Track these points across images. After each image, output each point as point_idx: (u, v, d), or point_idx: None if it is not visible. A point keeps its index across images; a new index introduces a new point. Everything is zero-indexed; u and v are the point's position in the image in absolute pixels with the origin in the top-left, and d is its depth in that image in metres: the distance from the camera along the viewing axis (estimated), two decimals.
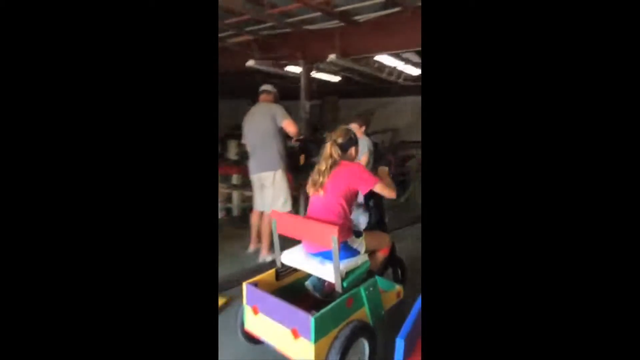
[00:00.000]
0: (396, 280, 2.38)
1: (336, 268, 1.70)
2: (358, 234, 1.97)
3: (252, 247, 3.39)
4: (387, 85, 8.09)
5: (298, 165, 3.49)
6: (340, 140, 1.96)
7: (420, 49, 4.76)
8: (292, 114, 3.19)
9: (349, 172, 1.88)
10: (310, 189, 1.96)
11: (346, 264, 1.80)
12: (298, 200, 3.53)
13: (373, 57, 4.78)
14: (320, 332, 1.53)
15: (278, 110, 3.05)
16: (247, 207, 4.67)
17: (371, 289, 1.87)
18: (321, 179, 1.88)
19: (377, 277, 2.04)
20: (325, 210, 1.89)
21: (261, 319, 1.76)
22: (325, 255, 1.84)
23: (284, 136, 3.13)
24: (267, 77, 6.39)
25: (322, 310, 1.57)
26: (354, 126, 3.05)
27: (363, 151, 3.01)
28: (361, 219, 2.30)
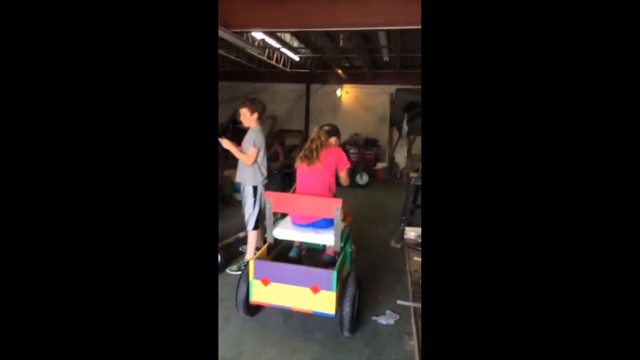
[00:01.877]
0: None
1: (337, 232, 2.10)
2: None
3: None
4: (262, 70, 7.66)
5: None
6: (326, 128, 2.48)
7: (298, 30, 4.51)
8: None
9: (338, 154, 2.41)
10: (302, 163, 2.34)
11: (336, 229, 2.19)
12: None
13: (252, 32, 4.30)
14: (337, 283, 1.96)
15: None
16: None
17: (351, 247, 2.49)
18: (314, 155, 2.31)
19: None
20: (318, 184, 2.30)
21: (273, 288, 2.05)
22: (316, 225, 2.28)
23: None
24: None
25: (337, 266, 2.03)
26: (244, 111, 2.74)
27: (260, 141, 2.72)
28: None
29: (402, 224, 3.63)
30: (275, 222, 2.34)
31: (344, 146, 6.81)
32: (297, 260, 2.39)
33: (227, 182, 4.70)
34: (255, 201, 2.76)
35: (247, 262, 2.83)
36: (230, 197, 4.73)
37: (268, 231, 2.27)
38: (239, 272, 2.67)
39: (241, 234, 3.00)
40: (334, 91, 8.60)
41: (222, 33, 3.53)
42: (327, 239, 2.21)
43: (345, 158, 2.44)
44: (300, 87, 8.79)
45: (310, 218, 2.27)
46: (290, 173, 5.66)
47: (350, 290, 2.00)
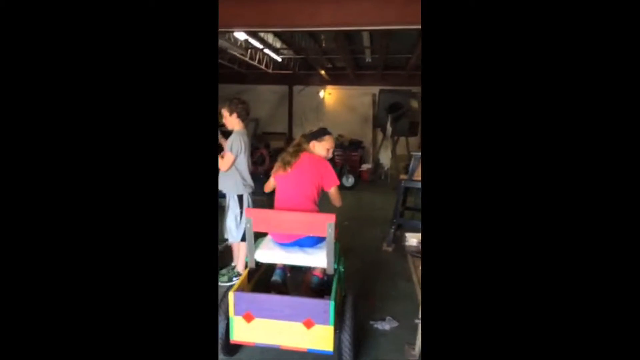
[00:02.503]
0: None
1: (330, 252, 1.80)
2: None
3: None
4: (244, 71, 7.51)
5: None
6: (307, 132, 2.21)
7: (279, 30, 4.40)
8: None
9: (323, 167, 2.04)
10: (279, 170, 2.03)
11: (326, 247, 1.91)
12: None
13: (234, 32, 4.17)
14: (334, 314, 1.66)
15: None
16: None
17: (343, 266, 2.13)
18: (291, 158, 2.01)
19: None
20: (301, 195, 1.98)
21: (258, 324, 1.73)
22: (302, 243, 1.97)
23: None
24: None
25: (333, 293, 1.73)
26: (224, 112, 2.56)
27: (237, 147, 2.50)
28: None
29: (392, 227, 3.59)
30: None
31: None
32: (282, 286, 2.04)
33: None
34: (242, 212, 2.56)
35: (237, 274, 2.72)
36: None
37: (249, 254, 1.96)
38: (230, 284, 2.54)
39: (229, 242, 2.85)
40: (317, 92, 8.55)
41: None
42: (317, 259, 1.89)
43: (332, 172, 2.05)
44: (282, 88, 8.68)
45: (293, 236, 1.96)
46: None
47: (349, 321, 1.72)
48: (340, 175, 6.25)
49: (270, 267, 2.12)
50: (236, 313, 1.73)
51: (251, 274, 1.99)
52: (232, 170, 2.53)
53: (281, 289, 2.01)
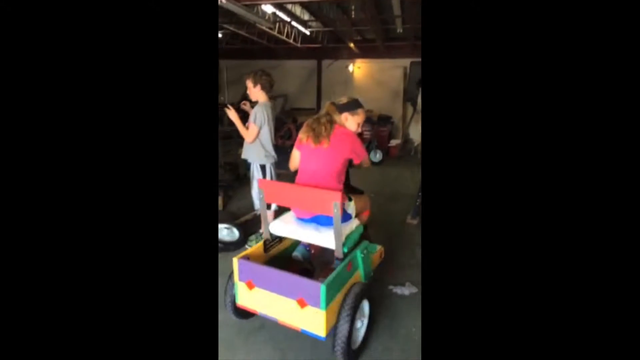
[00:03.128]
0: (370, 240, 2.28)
1: (338, 235, 1.68)
2: (349, 198, 1.92)
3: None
4: (272, 46, 7.50)
5: None
6: (340, 102, 1.96)
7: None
8: None
9: (351, 141, 1.87)
10: (306, 140, 1.86)
11: (344, 229, 1.75)
12: None
13: (262, 4, 4.16)
14: (328, 299, 1.54)
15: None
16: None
17: (365, 251, 1.92)
18: (323, 130, 1.81)
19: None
20: (325, 171, 1.82)
21: (258, 293, 1.71)
22: (321, 221, 1.83)
23: None
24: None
25: (330, 277, 1.58)
26: (248, 84, 2.63)
27: (261, 119, 2.57)
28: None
29: (417, 200, 3.59)
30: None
31: None
32: (302, 262, 1.93)
33: (242, 161, 4.73)
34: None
35: None
36: (245, 175, 4.76)
37: (263, 226, 1.92)
38: None
39: (257, 212, 2.97)
40: (346, 67, 8.40)
41: (232, 6, 3.43)
42: (326, 239, 1.75)
43: (361, 146, 1.91)
44: (311, 63, 8.61)
45: (313, 212, 1.83)
46: None
47: (347, 309, 1.57)
48: (368, 151, 6.17)
49: (297, 242, 2.03)
50: (240, 279, 1.75)
51: (267, 245, 1.96)
52: (256, 141, 2.62)
53: (301, 265, 1.93)
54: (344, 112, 1.93)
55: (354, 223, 1.88)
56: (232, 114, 2.54)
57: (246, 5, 3.76)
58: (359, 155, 1.90)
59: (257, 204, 2.77)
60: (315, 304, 1.53)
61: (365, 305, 1.80)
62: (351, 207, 1.90)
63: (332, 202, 1.59)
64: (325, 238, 1.75)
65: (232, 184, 4.38)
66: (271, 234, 1.93)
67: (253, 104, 2.71)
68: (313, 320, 1.56)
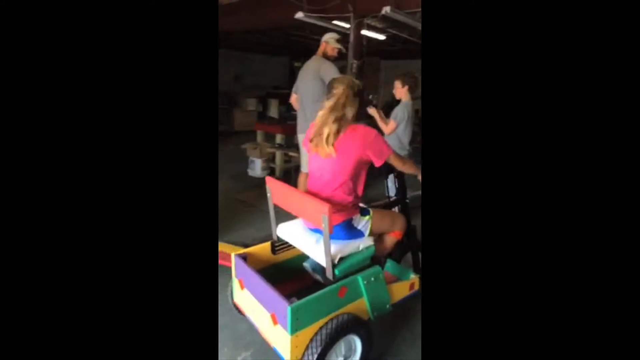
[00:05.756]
0: (416, 268, 2.01)
1: (327, 252, 1.42)
2: (364, 212, 1.65)
3: None
4: None
5: None
6: (359, 83, 1.62)
7: None
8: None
9: (363, 137, 1.51)
10: (315, 146, 1.56)
11: (342, 247, 1.53)
12: None
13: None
14: (299, 323, 1.32)
15: (329, 69, 2.86)
16: (290, 168, 4.65)
17: (372, 279, 1.56)
18: (325, 139, 1.49)
19: (391, 263, 1.86)
20: (330, 179, 1.55)
21: (246, 295, 1.61)
22: (334, 232, 1.55)
23: None
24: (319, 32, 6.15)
25: (303, 300, 1.34)
26: (396, 84, 2.91)
27: (401, 116, 2.84)
28: (390, 184, 2.07)
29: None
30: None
31: None
32: (312, 273, 1.65)
33: None
34: (396, 173, 2.90)
35: None
36: None
37: (272, 226, 1.77)
38: None
39: (390, 197, 3.26)
40: None
41: (396, 15, 3.86)
42: (317, 253, 1.51)
43: (381, 142, 1.54)
44: None
45: (334, 218, 1.54)
46: None
47: (318, 340, 1.33)
48: None
49: None
50: (236, 275, 1.68)
51: (274, 247, 1.81)
52: (393, 134, 2.93)
53: (309, 276, 1.68)
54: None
55: (364, 243, 1.61)
56: (372, 111, 2.92)
57: (408, 12, 4.10)
58: (380, 153, 1.52)
59: (391, 190, 3.11)
60: (284, 325, 1.34)
61: (357, 344, 1.52)
62: (363, 223, 1.62)
63: (321, 214, 1.35)
64: (319, 252, 1.50)
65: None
66: (278, 237, 1.77)
67: (395, 103, 3.09)
68: (281, 341, 1.38)
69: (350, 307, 1.51)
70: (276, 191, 1.67)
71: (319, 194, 1.58)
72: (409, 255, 2.08)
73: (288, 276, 1.80)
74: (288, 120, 5.09)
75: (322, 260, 1.49)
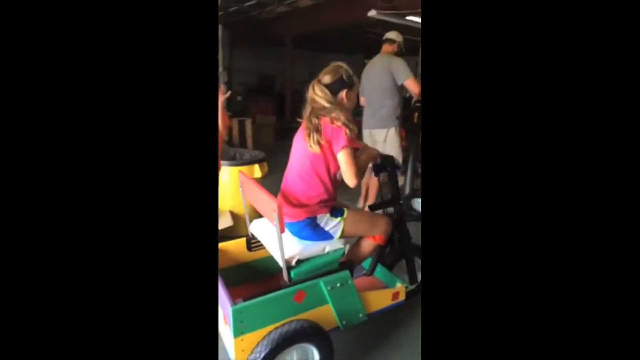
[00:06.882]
0: (412, 277, 1.80)
1: (281, 252, 1.30)
2: (336, 213, 1.48)
3: (361, 203, 3.32)
4: None
5: (412, 124, 3.22)
6: (327, 80, 1.45)
7: None
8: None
9: (329, 127, 1.38)
10: (302, 135, 1.46)
11: (303, 248, 1.41)
12: (407, 160, 3.47)
13: None
14: (243, 326, 1.24)
15: (400, 66, 2.79)
16: None
17: (338, 284, 1.41)
18: (312, 134, 1.37)
19: (382, 269, 1.75)
20: (307, 174, 1.43)
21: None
22: (292, 230, 1.45)
23: (402, 92, 2.96)
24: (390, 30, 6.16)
25: (248, 302, 1.25)
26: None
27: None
28: (416, 204, 1.96)
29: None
30: None
31: None
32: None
33: None
34: None
35: None
36: None
37: (246, 222, 1.71)
38: None
39: None
40: None
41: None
42: (275, 251, 1.40)
43: (341, 130, 1.35)
44: None
45: (292, 215, 1.44)
46: None
47: (261, 346, 1.24)
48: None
49: None
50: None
51: (251, 242, 1.72)
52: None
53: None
54: (340, 92, 1.47)
55: (333, 246, 1.47)
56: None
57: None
58: (336, 140, 1.35)
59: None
60: (230, 326, 1.25)
61: (314, 353, 1.39)
62: (332, 224, 1.46)
63: (272, 210, 1.23)
64: (275, 249, 1.38)
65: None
66: (252, 233, 1.67)
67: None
68: (229, 343, 1.31)
69: (311, 314, 1.37)
70: (246, 186, 1.57)
71: (284, 190, 1.52)
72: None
73: (265, 275, 1.70)
74: (356, 117, 5.16)
75: (278, 258, 1.36)
